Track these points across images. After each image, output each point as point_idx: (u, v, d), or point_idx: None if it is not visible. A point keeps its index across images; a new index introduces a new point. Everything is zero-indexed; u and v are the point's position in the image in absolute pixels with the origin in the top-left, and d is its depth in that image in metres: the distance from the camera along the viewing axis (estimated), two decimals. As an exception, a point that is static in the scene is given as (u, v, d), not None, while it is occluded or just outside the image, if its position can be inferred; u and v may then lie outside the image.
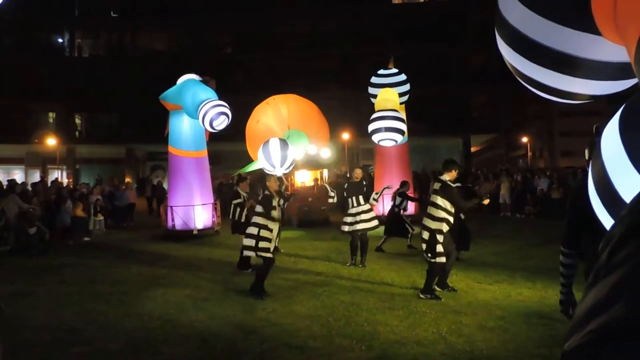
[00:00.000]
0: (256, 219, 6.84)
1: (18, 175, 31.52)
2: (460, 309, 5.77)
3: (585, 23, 2.27)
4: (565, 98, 2.93)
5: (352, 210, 8.60)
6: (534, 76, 2.83)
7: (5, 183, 14.48)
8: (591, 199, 2.02)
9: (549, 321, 5.19)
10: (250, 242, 6.71)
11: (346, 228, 8.66)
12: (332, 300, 6.32)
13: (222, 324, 5.45)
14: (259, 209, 6.89)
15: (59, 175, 30.86)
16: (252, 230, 6.76)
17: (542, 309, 5.68)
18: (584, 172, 2.24)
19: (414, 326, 5.21)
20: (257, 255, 6.81)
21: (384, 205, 14.90)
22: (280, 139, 11.57)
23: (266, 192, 6.89)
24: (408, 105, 15.26)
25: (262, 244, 6.61)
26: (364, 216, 8.58)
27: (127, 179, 30.30)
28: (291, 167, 12.34)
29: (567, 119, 45.77)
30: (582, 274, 3.17)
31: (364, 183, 8.98)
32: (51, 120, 34.36)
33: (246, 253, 7.22)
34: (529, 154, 48.88)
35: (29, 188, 14.47)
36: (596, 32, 2.28)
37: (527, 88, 3.08)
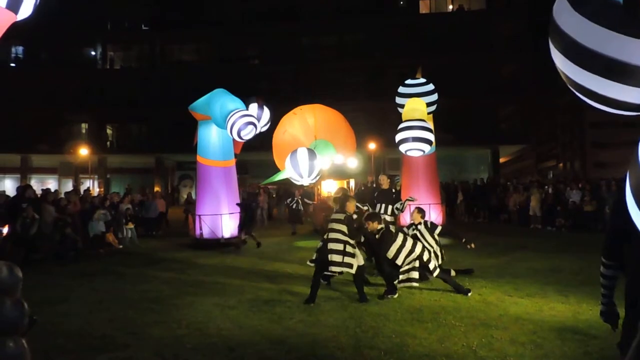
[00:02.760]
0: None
1: (52, 185, 32.39)
2: (491, 322, 5.65)
3: (638, 29, 2.24)
4: (618, 108, 2.86)
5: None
6: (587, 85, 2.77)
7: (39, 192, 14.86)
8: (629, 207, 1.96)
9: (584, 337, 5.04)
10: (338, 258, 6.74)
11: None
12: (360, 311, 6.27)
13: (249, 333, 5.45)
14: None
15: (91, 185, 31.58)
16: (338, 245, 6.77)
17: (576, 324, 5.51)
18: (622, 182, 2.19)
19: (443, 339, 5.12)
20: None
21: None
22: (307, 149, 11.65)
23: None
24: (436, 115, 15.14)
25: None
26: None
27: (157, 188, 30.86)
28: (318, 177, 12.40)
29: (599, 130, 44.76)
30: (621, 287, 3.08)
31: (393, 191, 8.91)
32: (84, 131, 35.27)
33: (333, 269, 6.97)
34: (560, 165, 47.94)
35: (62, 197, 14.80)
36: None
37: (579, 98, 3.03)
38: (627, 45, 2.40)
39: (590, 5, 2.57)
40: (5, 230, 9.57)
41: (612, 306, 3.30)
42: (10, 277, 2.19)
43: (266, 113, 14.41)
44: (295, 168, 10.85)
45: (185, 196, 21.14)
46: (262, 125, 12.64)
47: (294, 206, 16.52)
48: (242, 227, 12.99)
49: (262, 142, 16.04)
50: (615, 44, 2.44)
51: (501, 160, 35.17)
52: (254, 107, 11.66)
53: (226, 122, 12.26)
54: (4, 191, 21.63)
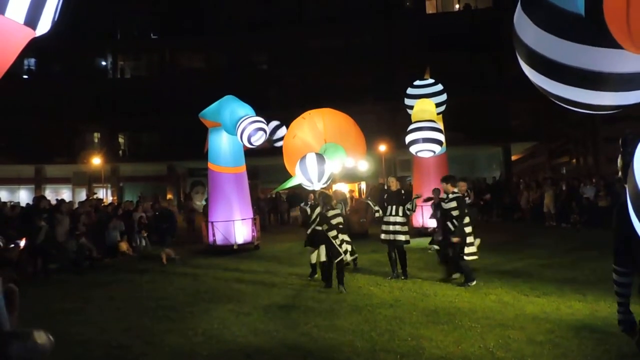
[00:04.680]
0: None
1: (66, 195, 32.75)
2: (507, 322, 5.61)
3: (605, 39, 2.22)
4: (597, 110, 2.86)
5: (390, 219, 8.54)
6: (561, 94, 2.76)
7: (54, 202, 15.02)
8: (631, 217, 1.95)
9: (602, 335, 4.98)
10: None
11: (382, 236, 8.66)
12: (375, 314, 6.26)
13: (265, 339, 5.46)
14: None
15: (104, 194, 31.86)
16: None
17: (594, 322, 5.45)
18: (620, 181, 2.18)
19: (460, 341, 5.09)
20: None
21: (423, 216, 14.71)
22: (316, 154, 11.64)
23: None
24: (446, 115, 15.08)
25: None
26: (398, 227, 8.50)
27: (169, 196, 31.06)
28: (329, 182, 12.40)
29: (612, 125, 44.25)
30: (637, 284, 3.05)
31: (402, 192, 8.84)
32: (96, 141, 35.62)
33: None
34: (573, 161, 47.50)
35: (77, 206, 14.96)
36: (617, 46, 2.23)
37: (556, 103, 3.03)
38: (597, 55, 2.40)
39: (545, 16, 2.54)
40: (22, 243, 9.67)
41: (629, 315, 3.27)
42: (49, 345, 2.25)
43: (282, 130, 14.75)
44: (304, 174, 10.87)
45: (198, 203, 21.22)
46: (277, 140, 12.60)
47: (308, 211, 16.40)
48: (163, 239, 12.05)
49: (273, 148, 16.08)
50: (585, 55, 2.44)
51: (513, 157, 34.86)
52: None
53: (236, 128, 12.33)
54: (18, 203, 21.95)
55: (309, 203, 10.09)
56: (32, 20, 4.20)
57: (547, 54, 2.58)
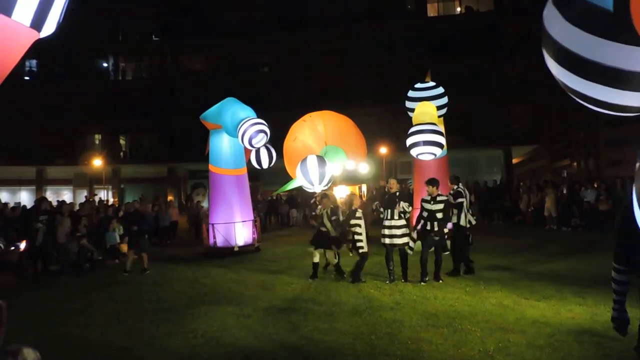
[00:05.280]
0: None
1: (67, 196, 32.80)
2: (507, 326, 5.61)
3: (632, 36, 2.22)
4: (618, 111, 2.84)
5: (386, 223, 8.54)
6: (585, 91, 2.75)
7: (55, 203, 15.04)
8: (636, 215, 1.95)
9: (602, 339, 4.97)
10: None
11: (382, 240, 8.64)
12: (375, 317, 6.26)
13: (265, 342, 5.47)
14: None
15: (105, 195, 31.89)
16: None
17: (593, 326, 5.45)
18: (631, 183, 2.17)
19: (460, 344, 5.09)
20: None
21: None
22: (317, 156, 11.67)
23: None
24: (447, 117, 15.08)
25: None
26: (395, 231, 8.48)
27: (170, 197, 31.09)
28: (329, 184, 12.41)
29: (613, 128, 44.23)
30: (637, 289, 3.05)
31: (397, 194, 8.78)
32: (97, 142, 35.67)
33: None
34: (574, 164, 47.46)
35: (77, 208, 14.98)
36: None
37: (577, 102, 3.01)
38: (623, 52, 2.38)
39: (577, 11, 2.54)
40: (22, 245, 9.68)
41: (623, 312, 3.28)
42: None
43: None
44: (305, 176, 10.89)
45: (203, 205, 21.13)
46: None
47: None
48: (132, 244, 11.34)
49: (274, 149, 16.08)
50: (611, 51, 2.42)
51: (514, 160, 34.87)
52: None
53: (237, 130, 12.35)
54: (20, 203, 21.97)
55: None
56: (38, 22, 4.24)
57: (576, 50, 2.57)
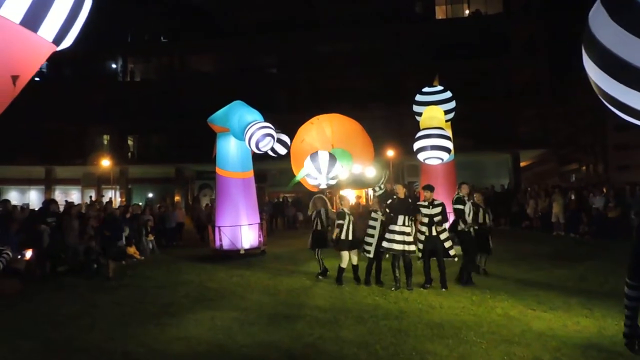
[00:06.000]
0: None
1: (75, 196, 33.01)
2: (513, 338, 5.56)
3: None
4: None
5: (396, 228, 8.49)
6: (623, 99, 2.63)
7: (63, 203, 15.14)
8: None
9: (609, 355, 4.89)
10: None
11: (389, 245, 8.51)
12: (379, 326, 6.23)
13: (269, 351, 5.45)
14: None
15: (113, 195, 32.05)
16: None
17: (601, 340, 5.38)
18: None
19: (465, 357, 5.05)
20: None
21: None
22: (329, 153, 11.95)
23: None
24: (454, 121, 15.01)
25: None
26: (407, 238, 8.45)
27: (177, 198, 31.20)
28: (336, 180, 12.48)
29: (622, 132, 43.84)
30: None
31: (410, 200, 8.80)
32: (105, 143, 35.85)
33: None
34: (582, 168, 47.12)
35: (84, 211, 15.04)
36: None
37: (608, 109, 2.91)
38: None
39: (631, 16, 2.42)
40: (28, 254, 9.73)
41: (635, 329, 3.22)
42: None
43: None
44: (314, 162, 11.17)
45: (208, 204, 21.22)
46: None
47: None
48: (104, 251, 10.92)
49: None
50: None
51: (522, 164, 34.70)
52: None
53: (244, 134, 12.36)
54: (28, 204, 22.12)
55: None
56: (59, 39, 4.49)
57: (624, 55, 2.46)
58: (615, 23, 2.55)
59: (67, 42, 4.61)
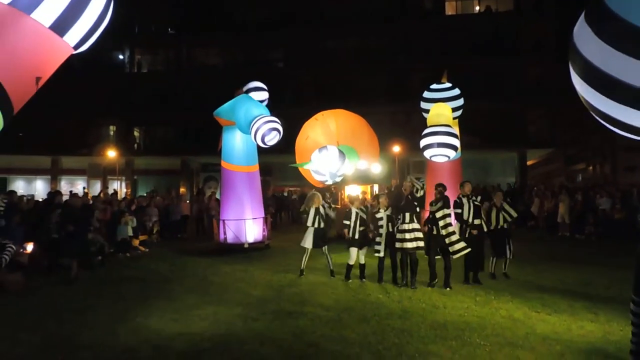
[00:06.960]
0: None
1: (80, 186, 33.10)
2: (517, 341, 5.52)
3: None
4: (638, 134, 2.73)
5: (405, 227, 8.48)
6: (610, 112, 2.64)
7: (67, 194, 15.17)
8: None
9: (614, 360, 4.89)
10: None
11: (398, 245, 8.55)
12: (382, 325, 6.21)
13: (272, 349, 5.43)
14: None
15: (118, 186, 32.13)
16: None
17: (605, 346, 5.34)
18: None
19: (468, 359, 5.02)
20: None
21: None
22: (339, 149, 12.01)
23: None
24: (462, 118, 14.93)
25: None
26: (417, 234, 8.45)
27: (182, 190, 31.26)
28: (341, 177, 12.49)
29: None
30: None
31: (410, 198, 8.70)
32: (112, 134, 35.90)
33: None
34: (590, 168, 46.83)
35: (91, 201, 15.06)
36: None
37: (599, 121, 2.90)
38: None
39: (613, 31, 2.42)
40: (29, 247, 9.72)
41: None
42: None
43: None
44: (323, 154, 11.21)
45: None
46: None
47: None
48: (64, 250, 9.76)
49: (287, 145, 16.07)
50: None
51: (529, 162, 34.49)
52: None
53: (250, 127, 12.33)
54: (33, 195, 22.21)
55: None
56: (80, 44, 4.67)
57: (607, 70, 2.46)
58: (599, 38, 2.55)
59: (84, 47, 4.90)
